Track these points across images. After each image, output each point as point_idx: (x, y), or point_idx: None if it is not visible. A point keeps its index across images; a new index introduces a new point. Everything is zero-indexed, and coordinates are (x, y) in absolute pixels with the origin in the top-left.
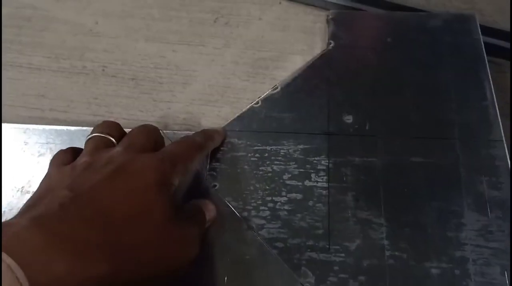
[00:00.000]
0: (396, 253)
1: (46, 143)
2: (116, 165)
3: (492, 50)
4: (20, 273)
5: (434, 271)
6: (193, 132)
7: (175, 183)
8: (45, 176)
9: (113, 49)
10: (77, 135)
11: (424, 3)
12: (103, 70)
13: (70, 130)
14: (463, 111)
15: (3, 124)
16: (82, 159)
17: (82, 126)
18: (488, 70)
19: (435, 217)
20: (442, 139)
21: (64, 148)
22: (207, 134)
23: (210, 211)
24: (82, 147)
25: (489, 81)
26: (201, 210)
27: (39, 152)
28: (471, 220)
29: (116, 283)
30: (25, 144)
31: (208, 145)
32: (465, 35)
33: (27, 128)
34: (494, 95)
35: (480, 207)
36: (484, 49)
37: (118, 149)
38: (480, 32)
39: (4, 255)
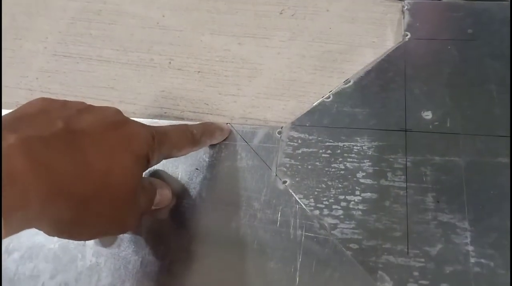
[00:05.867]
0: (482, 260)
1: None
2: (113, 119)
3: None
4: None
5: None
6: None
7: (153, 161)
8: (40, 97)
9: (179, 42)
10: None
11: None
12: (170, 63)
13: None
14: None
15: None
16: (81, 102)
17: (150, 118)
18: None
19: None
20: None
21: None
22: (207, 130)
23: (164, 195)
24: None
25: None
26: (154, 190)
27: None
28: None
29: (71, 228)
30: None
31: (203, 141)
32: None
33: None
34: None
35: None
36: None
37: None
38: None
39: None
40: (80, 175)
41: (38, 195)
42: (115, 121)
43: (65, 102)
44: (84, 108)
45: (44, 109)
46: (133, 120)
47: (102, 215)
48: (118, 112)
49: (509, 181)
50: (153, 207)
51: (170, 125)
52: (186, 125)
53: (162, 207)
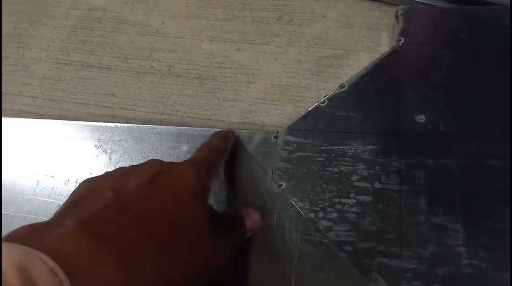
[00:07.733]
0: (474, 262)
1: (119, 141)
2: (153, 172)
3: None
4: (63, 277)
5: None
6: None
7: (210, 188)
8: (84, 180)
9: (178, 49)
10: (147, 133)
11: None
12: (169, 69)
13: (140, 128)
14: None
15: (78, 122)
16: (120, 168)
17: (150, 124)
18: None
19: None
20: None
21: (135, 144)
22: (224, 137)
23: (254, 221)
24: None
25: None
26: (241, 219)
27: (111, 148)
28: None
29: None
30: (99, 141)
31: (228, 147)
32: None
33: (100, 126)
34: None
35: None
36: None
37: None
38: None
39: (46, 258)
40: (142, 233)
41: (108, 266)
42: (156, 172)
43: (107, 174)
44: (125, 172)
45: (90, 189)
46: (175, 163)
47: (182, 263)
48: (157, 162)
49: (501, 183)
50: (248, 234)
51: (200, 149)
52: (207, 142)
53: (256, 230)
